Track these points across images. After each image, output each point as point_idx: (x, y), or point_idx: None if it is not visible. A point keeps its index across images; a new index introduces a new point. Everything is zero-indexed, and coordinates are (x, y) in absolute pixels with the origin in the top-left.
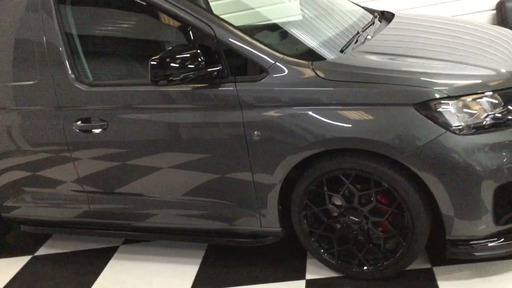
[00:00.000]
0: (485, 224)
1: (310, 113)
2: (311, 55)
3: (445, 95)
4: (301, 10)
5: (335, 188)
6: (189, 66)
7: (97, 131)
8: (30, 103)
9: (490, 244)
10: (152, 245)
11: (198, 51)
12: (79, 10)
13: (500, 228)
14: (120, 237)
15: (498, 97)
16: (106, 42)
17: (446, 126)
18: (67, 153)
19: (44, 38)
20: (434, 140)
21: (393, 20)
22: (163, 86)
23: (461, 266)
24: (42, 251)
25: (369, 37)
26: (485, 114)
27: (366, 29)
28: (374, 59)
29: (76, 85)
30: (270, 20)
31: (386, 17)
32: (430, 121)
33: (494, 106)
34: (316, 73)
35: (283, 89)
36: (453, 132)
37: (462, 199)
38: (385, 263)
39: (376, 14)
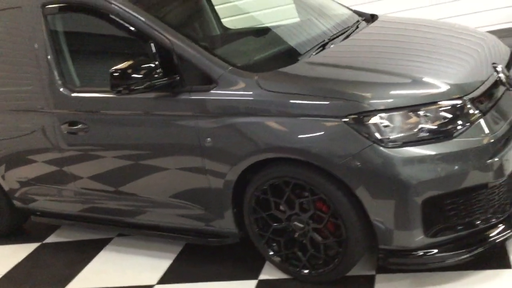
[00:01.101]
0: (416, 236)
1: (251, 122)
2: (265, 65)
3: (372, 109)
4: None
5: (281, 195)
6: (147, 76)
7: (81, 133)
8: (31, 107)
9: (423, 256)
10: (141, 239)
11: (156, 62)
12: (64, 20)
13: (432, 240)
14: (108, 231)
15: (433, 110)
16: (91, 50)
17: (373, 138)
18: (59, 154)
19: (36, 46)
20: (362, 152)
21: (367, 26)
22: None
23: (403, 275)
24: (50, 239)
25: (332, 46)
26: (415, 128)
27: (336, 36)
28: (315, 71)
29: (62, 90)
30: (259, 25)
31: (374, 20)
32: (357, 134)
33: (426, 119)
34: (259, 84)
35: (230, 98)
36: (380, 144)
37: (391, 210)
38: (325, 268)
39: (359, 19)
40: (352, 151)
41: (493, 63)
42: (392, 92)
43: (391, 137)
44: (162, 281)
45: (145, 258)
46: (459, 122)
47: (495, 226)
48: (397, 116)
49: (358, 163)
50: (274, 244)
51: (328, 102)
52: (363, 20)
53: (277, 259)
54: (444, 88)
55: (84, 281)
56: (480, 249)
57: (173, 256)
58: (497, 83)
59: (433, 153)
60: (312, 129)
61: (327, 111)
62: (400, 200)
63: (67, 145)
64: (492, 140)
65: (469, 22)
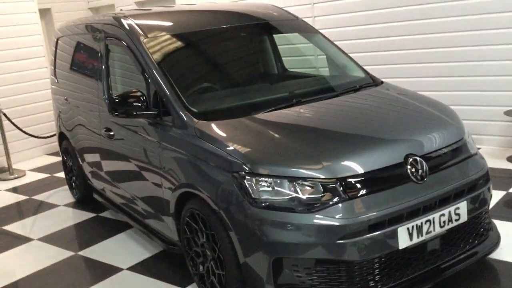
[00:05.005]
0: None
1: (183, 160)
2: (217, 114)
3: (249, 171)
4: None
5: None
6: (136, 105)
7: (111, 138)
8: (94, 109)
9: None
10: None
11: (144, 97)
12: (112, 49)
13: None
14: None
15: (304, 185)
16: (126, 73)
17: (246, 196)
18: (102, 150)
19: (100, 67)
20: (236, 204)
21: (349, 95)
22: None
23: None
24: (105, 214)
25: (297, 107)
26: (285, 196)
27: (313, 99)
28: (242, 127)
29: (104, 101)
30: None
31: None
32: (236, 188)
33: (297, 191)
34: (194, 131)
35: (177, 137)
36: (250, 202)
37: (251, 259)
38: None
39: (356, 86)
40: (231, 201)
41: (409, 154)
42: (277, 161)
43: (262, 199)
44: (131, 268)
45: (140, 246)
46: (323, 200)
47: None
48: (272, 183)
49: (233, 212)
50: (195, 263)
51: (228, 158)
52: (364, 86)
53: (195, 276)
54: (320, 167)
55: (91, 252)
56: None
57: (155, 251)
58: (402, 172)
59: (291, 221)
60: (214, 175)
61: (225, 165)
62: (256, 252)
63: (105, 145)
64: (347, 223)
65: None
